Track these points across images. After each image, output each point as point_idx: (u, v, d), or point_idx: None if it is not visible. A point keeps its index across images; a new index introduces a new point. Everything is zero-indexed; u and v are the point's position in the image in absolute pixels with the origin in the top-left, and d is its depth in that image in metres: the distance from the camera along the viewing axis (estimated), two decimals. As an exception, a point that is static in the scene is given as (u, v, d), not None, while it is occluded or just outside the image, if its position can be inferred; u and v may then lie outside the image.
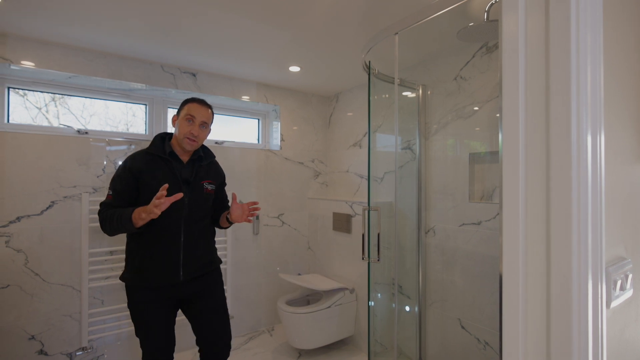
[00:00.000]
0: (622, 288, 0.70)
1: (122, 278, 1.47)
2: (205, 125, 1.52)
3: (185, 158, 1.52)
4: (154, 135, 1.71)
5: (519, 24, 0.61)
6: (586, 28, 0.57)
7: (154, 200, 1.25)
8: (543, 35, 0.59)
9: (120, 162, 1.70)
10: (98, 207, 1.46)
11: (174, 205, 1.36)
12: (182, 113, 1.49)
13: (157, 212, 1.25)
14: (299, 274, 2.93)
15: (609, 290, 0.65)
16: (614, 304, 0.67)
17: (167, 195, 1.32)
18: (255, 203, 1.55)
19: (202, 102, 1.53)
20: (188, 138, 1.46)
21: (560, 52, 0.57)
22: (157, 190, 1.32)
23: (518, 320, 0.60)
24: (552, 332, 0.58)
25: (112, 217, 1.36)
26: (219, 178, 1.66)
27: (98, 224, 1.71)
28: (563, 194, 0.56)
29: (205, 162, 1.58)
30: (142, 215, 1.28)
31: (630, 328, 0.77)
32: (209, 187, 1.57)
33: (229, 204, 1.72)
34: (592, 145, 0.57)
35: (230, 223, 1.62)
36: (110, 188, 1.43)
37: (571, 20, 0.56)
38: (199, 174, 1.54)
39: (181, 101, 1.60)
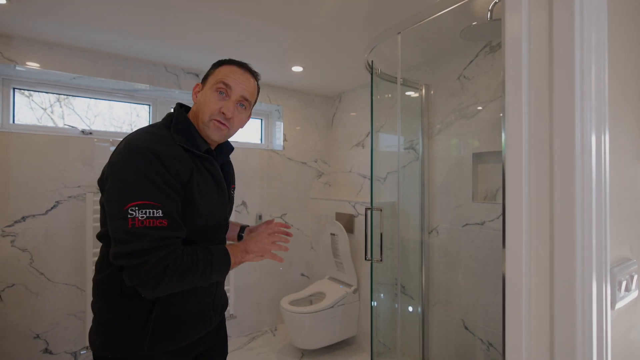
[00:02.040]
0: (627, 289, 0.69)
1: (112, 351, 0.82)
2: (246, 105, 0.96)
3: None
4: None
5: (522, 23, 0.60)
6: (590, 27, 0.56)
7: (273, 232, 0.94)
8: (547, 34, 0.59)
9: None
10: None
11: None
12: (212, 79, 0.92)
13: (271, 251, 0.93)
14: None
15: (613, 292, 0.64)
16: (618, 305, 0.66)
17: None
18: (286, 227, 1.07)
19: (244, 67, 0.96)
20: (216, 120, 0.89)
21: (564, 51, 0.56)
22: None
23: (521, 321, 0.60)
24: (555, 334, 0.57)
25: (198, 260, 0.81)
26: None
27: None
28: (567, 194, 0.56)
29: (227, 156, 1.06)
30: (246, 257, 0.91)
31: (636, 330, 0.76)
32: (233, 193, 1.10)
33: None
34: (597, 145, 0.57)
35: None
36: (156, 206, 0.75)
37: (575, 19, 0.55)
38: (226, 175, 1.04)
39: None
